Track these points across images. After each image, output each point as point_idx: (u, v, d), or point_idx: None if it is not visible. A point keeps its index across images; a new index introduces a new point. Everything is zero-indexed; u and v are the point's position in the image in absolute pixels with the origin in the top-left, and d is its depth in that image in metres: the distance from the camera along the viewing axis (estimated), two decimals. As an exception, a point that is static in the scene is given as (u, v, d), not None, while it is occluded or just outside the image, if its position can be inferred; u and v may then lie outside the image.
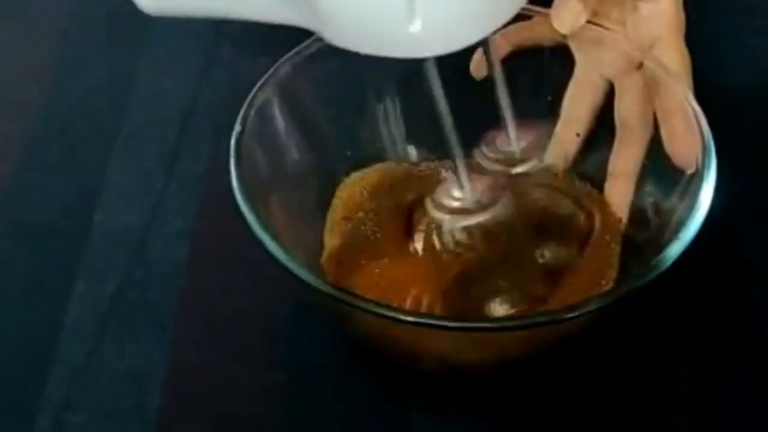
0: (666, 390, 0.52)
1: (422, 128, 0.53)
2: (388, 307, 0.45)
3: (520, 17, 0.57)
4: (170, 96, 0.67)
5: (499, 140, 0.53)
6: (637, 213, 0.55)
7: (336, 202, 0.57)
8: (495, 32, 0.45)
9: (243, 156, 0.50)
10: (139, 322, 0.56)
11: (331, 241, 0.56)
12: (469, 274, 0.53)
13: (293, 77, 0.54)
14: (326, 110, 0.56)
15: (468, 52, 0.48)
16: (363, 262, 0.54)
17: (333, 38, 0.44)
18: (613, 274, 0.54)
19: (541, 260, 0.54)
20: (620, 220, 0.56)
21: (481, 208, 0.50)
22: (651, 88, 0.55)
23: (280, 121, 0.54)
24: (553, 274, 0.54)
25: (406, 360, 0.52)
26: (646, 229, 0.54)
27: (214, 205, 0.60)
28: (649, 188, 0.55)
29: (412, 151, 0.53)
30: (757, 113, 0.65)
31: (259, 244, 0.47)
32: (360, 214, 0.56)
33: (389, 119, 0.56)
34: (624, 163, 0.56)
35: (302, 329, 0.55)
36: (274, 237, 0.47)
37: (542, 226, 0.56)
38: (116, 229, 0.60)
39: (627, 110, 0.56)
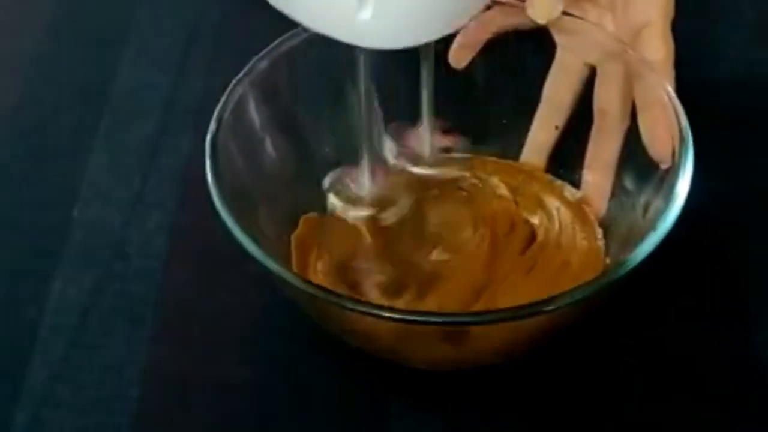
0: (656, 385, 0.52)
1: (401, 124, 0.53)
2: (369, 304, 0.45)
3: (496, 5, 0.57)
4: (149, 91, 0.67)
5: (412, 139, 0.53)
6: (615, 205, 0.56)
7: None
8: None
9: (219, 153, 0.50)
10: (119, 316, 0.56)
11: None
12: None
13: (270, 73, 0.54)
14: (303, 106, 0.56)
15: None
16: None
17: (283, 8, 0.43)
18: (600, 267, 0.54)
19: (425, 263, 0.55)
20: (599, 212, 0.56)
21: (377, 203, 0.51)
22: (631, 79, 0.55)
23: (256, 118, 0.54)
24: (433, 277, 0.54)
25: (386, 355, 0.52)
26: (624, 222, 0.54)
27: (194, 201, 0.59)
28: (626, 180, 0.55)
29: (391, 148, 0.53)
30: (739, 106, 0.65)
31: (237, 242, 0.47)
32: None
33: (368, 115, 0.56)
34: (602, 153, 0.56)
35: (281, 325, 0.55)
36: (252, 236, 0.47)
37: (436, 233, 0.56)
38: (96, 223, 0.60)
39: (606, 98, 0.56)
